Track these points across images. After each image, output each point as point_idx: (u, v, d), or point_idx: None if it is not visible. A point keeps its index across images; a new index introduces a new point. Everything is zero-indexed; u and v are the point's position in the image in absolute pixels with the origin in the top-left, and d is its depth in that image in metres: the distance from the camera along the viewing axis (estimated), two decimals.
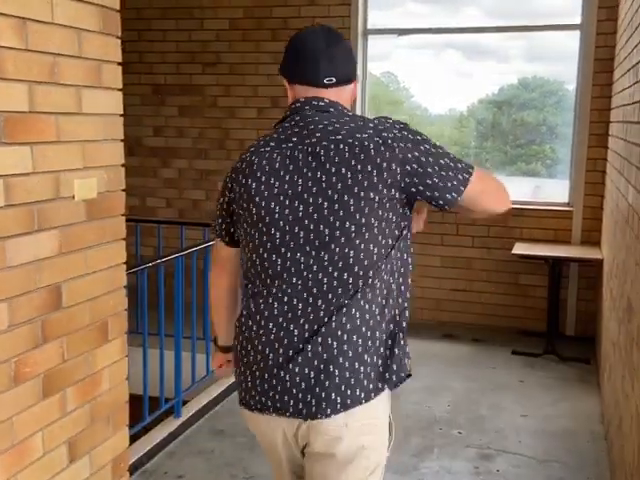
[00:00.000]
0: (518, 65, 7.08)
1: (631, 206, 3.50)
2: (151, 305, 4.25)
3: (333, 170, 1.88)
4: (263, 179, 1.94)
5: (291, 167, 1.92)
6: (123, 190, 2.63)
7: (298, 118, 1.98)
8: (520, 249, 5.93)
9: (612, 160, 5.23)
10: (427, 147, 1.93)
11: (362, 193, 1.87)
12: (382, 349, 1.96)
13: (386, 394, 2.03)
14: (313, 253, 1.90)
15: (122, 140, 2.59)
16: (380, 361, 1.95)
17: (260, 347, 1.97)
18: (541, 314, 6.13)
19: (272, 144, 1.97)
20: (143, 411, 4.10)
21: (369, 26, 6.65)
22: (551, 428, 4.47)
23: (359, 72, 6.59)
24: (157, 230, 5.79)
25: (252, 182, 1.96)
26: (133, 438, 3.78)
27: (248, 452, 4.08)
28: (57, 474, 2.42)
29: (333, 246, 1.88)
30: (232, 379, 4.16)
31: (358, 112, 6.41)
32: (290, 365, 1.91)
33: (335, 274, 1.89)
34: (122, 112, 2.56)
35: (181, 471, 3.89)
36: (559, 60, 6.67)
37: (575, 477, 3.86)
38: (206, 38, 6.96)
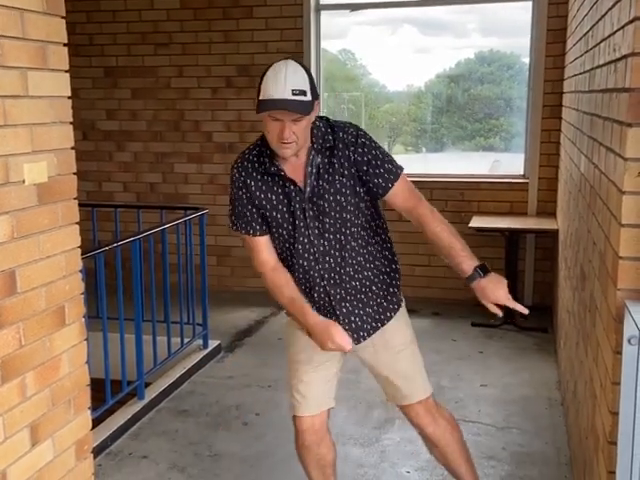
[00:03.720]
0: (475, 39, 7.13)
1: (583, 175, 3.56)
2: (112, 289, 4.23)
3: None
4: None
5: None
6: (74, 173, 2.60)
7: None
8: (477, 222, 5.99)
9: (566, 131, 5.30)
10: None
11: None
12: None
13: None
14: None
15: (71, 123, 2.56)
16: None
17: None
18: None
19: None
20: (105, 394, 4.09)
21: (322, 2, 6.63)
22: (510, 396, 4.56)
23: (313, 48, 6.57)
24: (114, 214, 5.74)
25: None
26: (97, 421, 3.79)
27: (212, 431, 4.10)
28: (20, 457, 2.42)
29: None
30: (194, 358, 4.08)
31: None
32: None
33: None
34: (70, 94, 2.52)
35: (146, 452, 3.91)
36: (515, 33, 6.72)
37: (533, 442, 3.95)
38: (157, 18, 6.88)
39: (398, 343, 2.82)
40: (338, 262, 2.67)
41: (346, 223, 2.65)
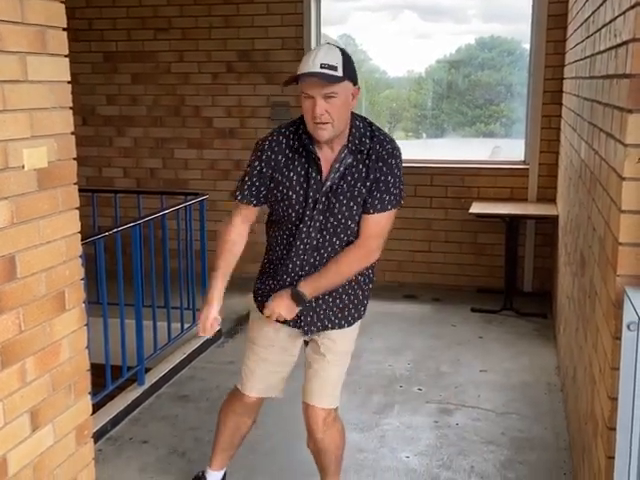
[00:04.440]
0: (475, 25, 7.11)
1: (583, 161, 3.56)
2: (112, 275, 4.23)
3: None
4: None
5: None
6: (74, 159, 2.60)
7: None
8: (477, 208, 5.99)
9: (566, 117, 5.28)
10: None
11: None
12: None
13: None
14: None
15: (71, 108, 2.55)
16: None
17: None
18: (499, 272, 6.24)
19: None
20: (106, 379, 4.10)
21: None
22: (509, 382, 4.57)
23: (313, 34, 6.54)
24: (114, 200, 5.74)
25: None
26: (97, 406, 3.80)
27: (212, 416, 4.09)
28: (21, 442, 2.42)
29: None
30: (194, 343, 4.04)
31: None
32: None
33: None
34: (69, 79, 2.51)
35: (146, 436, 3.92)
36: (516, 19, 6.70)
37: (532, 427, 3.97)
38: (157, 2, 6.83)
39: (339, 350, 2.89)
40: (322, 262, 2.71)
41: (347, 230, 2.69)
